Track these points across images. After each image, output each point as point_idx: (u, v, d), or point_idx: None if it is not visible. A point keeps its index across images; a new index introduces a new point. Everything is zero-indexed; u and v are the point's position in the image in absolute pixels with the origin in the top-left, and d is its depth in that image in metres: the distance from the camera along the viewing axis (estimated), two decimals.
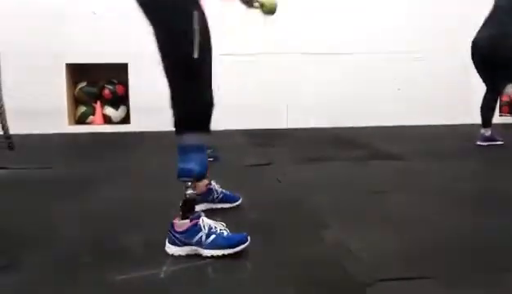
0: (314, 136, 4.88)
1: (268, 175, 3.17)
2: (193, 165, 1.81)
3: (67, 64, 5.51)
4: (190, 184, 1.83)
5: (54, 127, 5.39)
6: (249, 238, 1.79)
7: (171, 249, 1.78)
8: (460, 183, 2.94)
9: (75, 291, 1.53)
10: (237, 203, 2.44)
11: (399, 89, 5.59)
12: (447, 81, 5.58)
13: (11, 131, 5.04)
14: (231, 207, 2.40)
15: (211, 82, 1.90)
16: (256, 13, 2.64)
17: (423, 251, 1.84)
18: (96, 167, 3.47)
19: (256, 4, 2.58)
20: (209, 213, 2.25)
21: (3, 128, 3.21)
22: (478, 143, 4.29)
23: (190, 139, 1.82)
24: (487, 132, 4.28)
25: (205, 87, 1.85)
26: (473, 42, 4.15)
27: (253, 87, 5.49)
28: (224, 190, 2.44)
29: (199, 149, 1.84)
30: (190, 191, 1.82)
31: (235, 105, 5.41)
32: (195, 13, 1.75)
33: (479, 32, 4.14)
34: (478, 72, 4.21)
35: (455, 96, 5.50)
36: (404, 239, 1.96)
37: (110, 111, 5.75)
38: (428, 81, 5.61)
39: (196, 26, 1.75)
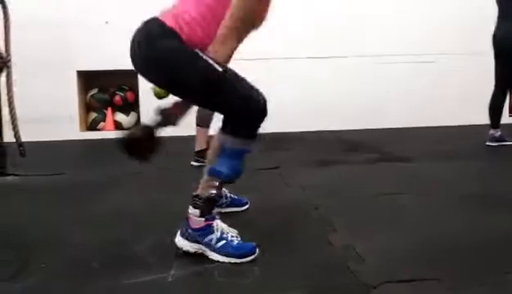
0: (323, 140, 4.88)
1: (276, 178, 3.19)
2: (224, 167, 1.82)
3: (78, 72, 5.57)
4: (217, 184, 1.84)
5: (66, 134, 5.43)
6: (257, 249, 1.80)
7: (180, 242, 1.82)
8: (469, 184, 2.94)
9: None
10: (245, 208, 2.46)
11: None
12: (457, 82, 5.55)
13: (24, 139, 5.11)
14: (238, 211, 2.42)
15: (252, 89, 1.84)
16: None
17: (429, 253, 1.85)
18: (107, 173, 3.51)
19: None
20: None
21: (15, 136, 3.25)
22: (488, 143, 4.26)
23: (231, 143, 1.82)
24: (497, 133, 4.25)
25: (249, 92, 1.81)
26: (493, 35, 4.14)
27: (263, 92, 5.50)
28: (232, 195, 2.46)
29: (236, 153, 1.83)
30: (213, 191, 1.84)
31: None
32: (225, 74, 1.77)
33: (498, 27, 4.12)
34: (495, 66, 4.19)
35: (465, 97, 5.46)
36: (411, 241, 1.96)
37: (120, 117, 5.80)
38: (438, 82, 5.58)
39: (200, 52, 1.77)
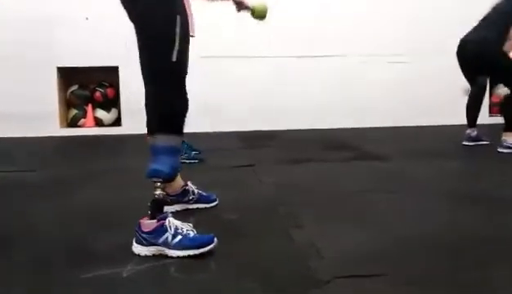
0: (304, 138, 4.89)
1: (250, 176, 3.18)
2: (162, 166, 1.84)
3: (58, 68, 5.53)
4: (159, 184, 1.85)
5: (46, 131, 5.40)
6: (215, 239, 1.80)
7: (137, 249, 1.79)
8: (443, 183, 2.95)
9: (38, 289, 1.54)
10: (213, 204, 2.45)
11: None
12: (435, 82, 5.59)
13: (3, 135, 5.09)
14: (206, 208, 2.41)
15: (185, 85, 1.92)
16: (247, 16, 2.65)
17: (390, 249, 1.85)
18: (82, 169, 3.49)
19: (247, 8, 2.61)
20: (184, 213, 2.30)
21: None
22: (465, 143, 4.29)
23: (162, 140, 1.85)
24: (473, 132, 4.28)
25: (179, 90, 1.89)
26: (462, 40, 4.15)
27: (247, 90, 5.51)
28: (200, 191, 2.45)
29: (170, 150, 1.87)
30: (158, 191, 1.85)
31: (228, 108, 5.44)
32: (178, 17, 1.79)
33: (470, 33, 4.13)
34: (463, 71, 4.21)
35: (443, 97, 5.50)
36: (374, 238, 1.97)
37: (101, 114, 5.77)
38: (416, 82, 5.61)
39: (178, 30, 1.79)
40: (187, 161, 3.57)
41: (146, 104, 1.91)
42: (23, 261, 1.78)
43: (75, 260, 1.77)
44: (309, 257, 1.77)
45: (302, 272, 1.65)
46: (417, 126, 5.46)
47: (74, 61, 5.48)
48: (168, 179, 1.88)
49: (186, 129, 3.92)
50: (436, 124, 5.54)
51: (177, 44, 1.78)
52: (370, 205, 2.48)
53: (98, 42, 5.34)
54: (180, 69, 1.85)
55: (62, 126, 5.68)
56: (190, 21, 3.36)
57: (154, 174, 1.83)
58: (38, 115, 5.37)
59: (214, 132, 5.15)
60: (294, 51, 5.53)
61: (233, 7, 2.57)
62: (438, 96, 5.56)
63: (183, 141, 3.60)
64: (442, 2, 5.56)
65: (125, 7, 1.88)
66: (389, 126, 5.42)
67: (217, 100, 5.37)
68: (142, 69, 1.86)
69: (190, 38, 3.26)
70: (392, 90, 5.62)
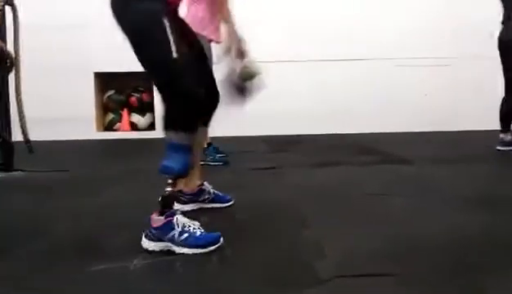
0: (330, 143, 4.87)
1: (270, 178, 3.22)
2: (174, 163, 1.89)
3: (95, 73, 5.75)
4: (170, 181, 1.90)
5: (83, 134, 5.60)
6: (221, 239, 1.85)
7: (145, 243, 1.86)
8: (466, 187, 2.90)
9: (49, 279, 1.64)
10: (228, 204, 2.50)
11: (426, 94, 5.51)
12: (469, 87, 5.45)
13: (42, 138, 5.31)
14: (221, 207, 2.47)
15: (196, 84, 1.96)
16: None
17: (397, 251, 1.85)
18: (112, 171, 3.62)
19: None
20: (199, 212, 2.36)
21: (23, 133, 3.39)
22: (498, 148, 4.18)
23: (174, 137, 1.90)
24: (507, 137, 4.16)
25: (190, 86, 1.90)
26: (498, 38, 4.07)
27: (274, 94, 5.53)
28: (216, 191, 2.51)
29: (182, 148, 1.90)
30: (169, 188, 1.90)
31: (254, 112, 5.47)
32: (164, 19, 1.84)
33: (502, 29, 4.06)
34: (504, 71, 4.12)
35: (478, 102, 5.36)
36: (382, 239, 1.97)
37: (136, 118, 5.94)
38: (452, 86, 5.49)
39: (168, 30, 1.84)
40: (212, 163, 3.65)
41: (162, 101, 1.96)
42: (38, 254, 1.88)
43: (87, 254, 1.86)
44: (313, 257, 1.79)
45: (303, 271, 1.68)
46: (450, 132, 5.34)
47: (111, 67, 5.65)
48: (179, 176, 1.93)
49: (214, 133, 4.03)
50: (470, 129, 5.40)
51: (172, 43, 1.81)
52: (385, 208, 2.47)
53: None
54: (182, 66, 1.87)
55: (99, 129, 5.88)
56: (214, 27, 3.44)
57: (166, 170, 1.89)
58: (76, 119, 5.56)
59: (240, 136, 5.20)
60: (321, 54, 5.52)
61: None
62: (475, 101, 5.42)
63: (210, 144, 3.75)
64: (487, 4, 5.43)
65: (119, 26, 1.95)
66: (419, 131, 5.32)
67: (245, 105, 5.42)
68: (148, 75, 1.93)
69: (217, 44, 3.32)
70: (423, 94, 5.53)
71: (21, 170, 3.51)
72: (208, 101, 2.14)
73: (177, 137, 1.90)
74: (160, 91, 1.93)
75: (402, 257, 1.78)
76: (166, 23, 1.82)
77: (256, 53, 5.57)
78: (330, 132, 5.34)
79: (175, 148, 1.89)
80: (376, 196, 2.70)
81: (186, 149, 1.92)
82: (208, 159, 3.68)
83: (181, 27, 2.00)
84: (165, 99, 1.93)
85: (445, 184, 2.99)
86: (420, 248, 1.86)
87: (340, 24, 5.47)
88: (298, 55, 5.51)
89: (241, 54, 2.45)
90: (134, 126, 5.92)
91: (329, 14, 5.52)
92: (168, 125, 1.91)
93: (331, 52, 5.53)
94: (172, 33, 1.83)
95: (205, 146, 3.70)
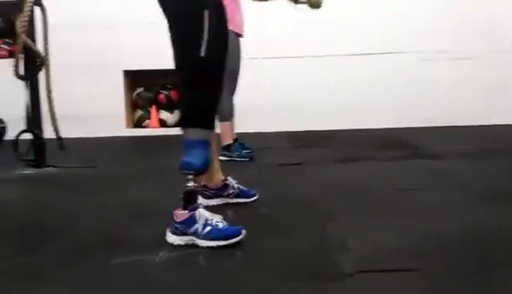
0: (358, 138, 4.83)
1: (296, 173, 3.22)
2: (194, 159, 1.90)
3: (124, 71, 5.84)
4: (190, 177, 1.92)
5: (113, 131, 5.70)
6: (244, 231, 1.86)
7: (170, 238, 1.89)
8: (494, 183, 2.83)
9: (75, 274, 1.68)
10: (252, 199, 2.51)
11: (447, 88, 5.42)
12: (498, 79, 5.32)
13: (73, 135, 5.44)
14: (245, 202, 2.48)
15: (219, 81, 1.99)
16: (303, 9, 2.71)
17: (422, 246, 1.83)
18: (140, 166, 3.67)
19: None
20: (223, 207, 2.38)
21: (54, 130, 3.49)
22: None
23: (193, 134, 1.92)
24: None
25: (211, 86, 1.94)
26: None
27: (301, 90, 5.53)
28: (241, 186, 2.52)
29: (202, 144, 1.92)
30: (190, 184, 1.92)
31: (284, 108, 5.48)
32: (206, 12, 1.87)
33: None
34: None
35: (509, 97, 5.23)
36: (407, 235, 1.95)
37: (165, 115, 6.01)
38: (478, 79, 5.37)
39: (207, 24, 1.86)
40: (238, 159, 3.67)
41: (180, 99, 2.00)
42: (65, 249, 1.93)
43: (113, 248, 1.89)
44: (337, 251, 1.78)
45: (326, 265, 1.67)
46: (479, 126, 5.21)
47: (140, 65, 5.74)
48: (200, 171, 1.94)
49: (240, 129, 4.05)
50: (500, 123, 5.25)
51: (205, 39, 1.82)
52: (412, 203, 2.44)
53: (162, 45, 5.54)
54: (210, 63, 1.88)
55: (128, 126, 5.97)
56: (239, 20, 3.47)
57: (186, 167, 1.91)
58: (106, 116, 5.67)
59: (265, 132, 5.21)
60: (346, 49, 5.47)
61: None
62: (503, 95, 5.29)
63: (236, 140, 3.77)
64: None
65: (160, 5, 1.97)
66: (446, 126, 5.22)
67: (270, 100, 5.42)
68: (175, 65, 1.95)
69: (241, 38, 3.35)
70: (452, 88, 5.41)
71: (53, 166, 3.60)
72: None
73: (196, 134, 1.92)
74: (181, 81, 1.96)
75: (427, 253, 1.76)
76: (206, 17, 1.84)
77: (281, 48, 5.60)
78: (356, 127, 5.29)
79: (194, 144, 1.91)
80: (404, 191, 2.67)
81: (206, 145, 1.94)
82: (235, 155, 3.69)
83: (220, 22, 2.00)
84: (187, 95, 1.95)
85: (473, 179, 2.93)
86: (446, 244, 1.83)
87: (364, 19, 5.42)
88: (323, 50, 5.47)
89: None
90: (163, 123, 5.99)
91: (352, 8, 5.47)
92: (187, 122, 1.94)
93: (355, 47, 5.48)
94: (210, 29, 1.84)
95: (231, 142, 3.73)
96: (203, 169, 1.95)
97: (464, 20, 5.34)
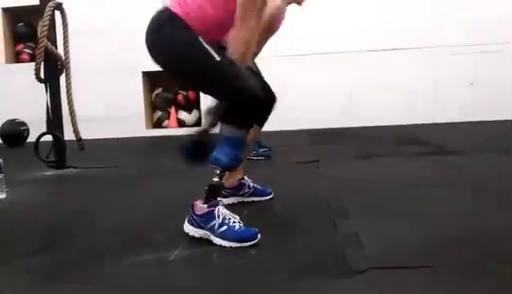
0: (375, 134, 4.81)
1: (312, 171, 3.22)
2: (222, 155, 1.93)
3: (143, 72, 5.92)
4: (218, 172, 1.95)
5: (134, 132, 5.80)
6: (259, 235, 1.86)
7: (187, 228, 1.94)
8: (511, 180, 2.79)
9: (94, 270, 1.72)
10: (268, 197, 2.53)
11: (472, 83, 5.33)
12: None
13: (93, 136, 5.54)
14: (260, 201, 2.50)
15: (250, 81, 1.92)
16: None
17: (435, 243, 1.82)
18: (160, 166, 3.73)
19: None
20: (239, 205, 2.41)
21: (74, 132, 3.56)
22: None
23: (227, 131, 1.93)
24: None
25: (239, 85, 1.88)
26: None
27: (319, 88, 5.53)
28: (256, 185, 2.54)
29: (236, 143, 1.94)
30: (216, 178, 1.95)
31: (301, 105, 5.49)
32: (200, 37, 1.87)
33: None
34: None
35: None
36: (421, 232, 1.93)
37: (183, 115, 6.08)
38: (501, 75, 5.28)
39: (204, 44, 1.86)
40: (255, 158, 3.69)
41: (225, 98, 1.99)
42: (84, 247, 1.98)
43: (131, 246, 1.93)
44: (349, 247, 1.79)
45: (339, 261, 1.68)
46: (498, 121, 5.13)
47: (158, 66, 5.80)
48: (226, 168, 1.96)
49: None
50: None
51: (210, 50, 1.84)
52: (426, 200, 2.43)
53: None
54: (230, 62, 1.87)
55: (148, 127, 6.06)
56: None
57: (214, 161, 1.94)
58: (126, 117, 5.77)
59: (282, 130, 5.22)
60: (366, 46, 5.44)
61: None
62: None
63: None
64: None
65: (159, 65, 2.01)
66: (471, 121, 5.15)
67: (288, 98, 5.41)
68: (211, 93, 1.97)
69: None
70: (477, 82, 5.34)
71: (73, 167, 3.68)
72: (267, 102, 2.17)
73: (233, 132, 1.92)
74: (225, 98, 1.92)
75: (440, 250, 1.75)
76: (201, 39, 1.86)
77: (299, 46, 5.59)
78: (373, 124, 5.27)
79: (229, 142, 1.92)
80: (419, 188, 2.65)
81: (240, 145, 1.95)
82: (252, 154, 3.71)
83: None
84: (222, 96, 1.94)
85: (491, 176, 2.89)
86: (459, 242, 1.82)
87: (379, 15, 5.39)
88: (338, 47, 5.46)
89: None
90: (181, 123, 6.06)
91: (368, 4, 5.44)
92: (227, 119, 1.93)
93: (372, 43, 5.45)
94: (208, 44, 1.86)
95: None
96: (229, 166, 1.96)
97: (483, 15, 5.26)
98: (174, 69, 1.99)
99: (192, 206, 1.94)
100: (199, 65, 1.88)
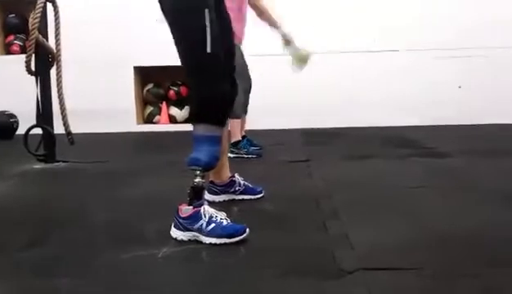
0: (367, 135, 4.83)
1: (303, 171, 3.23)
2: (201, 155, 1.92)
3: (135, 67, 5.88)
4: (198, 173, 1.93)
5: (124, 127, 5.75)
6: (247, 229, 1.87)
7: (174, 233, 1.91)
8: (503, 182, 2.81)
9: (82, 266, 1.71)
10: (259, 196, 2.53)
11: (460, 87, 5.38)
12: (505, 79, 5.27)
13: (84, 131, 5.50)
14: (251, 199, 2.50)
15: (228, 77, 2.00)
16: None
17: (425, 245, 1.83)
18: (149, 162, 3.71)
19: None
20: (229, 203, 2.41)
21: (64, 125, 3.53)
22: None
23: (201, 130, 1.94)
24: None
25: (219, 81, 1.93)
26: None
27: (311, 88, 5.52)
28: (247, 183, 2.54)
29: (210, 140, 1.94)
30: (197, 179, 1.93)
31: (293, 105, 5.49)
32: (206, 10, 1.88)
33: None
34: None
35: None
36: (410, 233, 1.95)
37: (174, 111, 6.04)
38: (491, 77, 5.33)
39: (208, 23, 1.87)
40: (245, 156, 3.69)
41: (189, 95, 2.02)
42: (73, 242, 1.97)
43: (119, 242, 1.93)
44: (338, 248, 1.80)
45: (327, 262, 1.68)
46: (487, 124, 5.17)
47: (150, 61, 5.77)
48: (207, 168, 1.96)
49: (250, 126, 4.06)
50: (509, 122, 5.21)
51: (209, 35, 1.83)
52: (415, 201, 2.45)
53: (172, 42, 5.59)
54: (217, 59, 1.89)
55: (139, 122, 6.01)
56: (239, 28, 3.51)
57: (194, 162, 1.92)
58: (117, 112, 5.71)
59: (275, 129, 5.22)
60: (358, 47, 5.46)
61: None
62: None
63: (244, 137, 3.79)
64: None
65: (159, 3, 1.97)
66: (455, 124, 5.19)
67: (281, 98, 5.43)
68: (181, 63, 1.96)
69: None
70: (464, 86, 5.38)
71: (63, 161, 3.65)
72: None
73: (205, 130, 1.93)
74: (189, 79, 1.97)
75: (430, 252, 1.76)
76: (207, 14, 1.85)
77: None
78: (365, 125, 5.28)
79: (203, 140, 1.92)
80: (410, 189, 2.67)
81: (216, 142, 1.95)
82: (242, 152, 3.72)
83: (225, 24, 2.02)
84: (196, 92, 1.96)
85: (480, 178, 2.92)
86: (450, 243, 1.84)
87: (374, 16, 5.40)
88: (331, 47, 5.46)
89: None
90: (173, 119, 6.03)
91: (363, 5, 5.45)
92: (197, 118, 1.94)
93: (365, 45, 5.47)
94: (212, 26, 1.85)
95: (239, 139, 3.75)
96: (209, 166, 1.96)
97: (472, 18, 5.30)
98: (169, 20, 1.94)
99: (177, 210, 1.92)
100: (189, 39, 1.89)
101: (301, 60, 3.08)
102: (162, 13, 2.00)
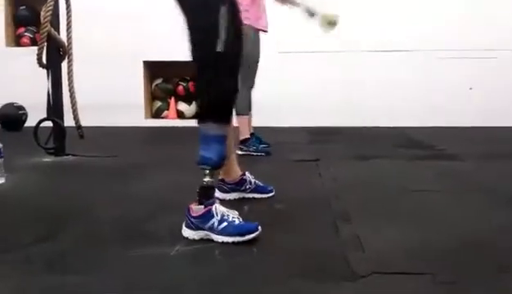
0: (376, 135, 4.81)
1: (312, 170, 3.21)
2: (210, 154, 1.91)
3: (144, 62, 5.89)
4: (207, 171, 1.93)
5: (132, 121, 5.76)
6: (259, 228, 1.86)
7: (186, 232, 1.90)
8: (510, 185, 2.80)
9: (93, 263, 1.71)
10: (269, 195, 2.52)
11: (471, 88, 5.34)
12: None
13: (93, 124, 5.51)
14: (262, 198, 2.49)
15: (235, 76, 1.98)
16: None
17: (437, 249, 1.82)
18: (158, 156, 3.72)
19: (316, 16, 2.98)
20: (239, 202, 2.40)
21: (74, 119, 3.53)
22: None
23: (209, 129, 1.92)
24: None
25: (227, 80, 1.91)
26: None
27: (319, 86, 5.51)
28: (257, 181, 2.53)
29: (218, 138, 1.92)
30: (207, 178, 1.92)
31: (302, 103, 5.48)
32: (222, 8, 1.86)
33: None
34: None
35: None
36: (421, 237, 1.94)
37: (183, 106, 6.05)
38: (502, 80, 5.29)
39: (222, 21, 1.86)
40: (254, 153, 3.68)
41: (197, 94, 2.01)
42: (82, 237, 1.96)
43: (130, 238, 1.92)
44: (351, 251, 1.78)
45: (340, 265, 1.67)
46: (498, 127, 5.14)
47: (159, 56, 5.78)
48: (216, 166, 1.95)
49: (259, 123, 4.05)
50: None
51: (222, 35, 1.81)
52: (426, 204, 2.43)
53: (182, 37, 5.58)
54: (227, 59, 1.86)
55: (147, 117, 6.03)
56: (258, 15, 3.51)
57: (203, 161, 1.91)
58: (126, 106, 5.73)
59: (284, 127, 5.21)
60: (365, 46, 5.43)
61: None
62: None
63: (253, 134, 3.78)
64: None
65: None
66: (465, 126, 5.16)
67: (289, 96, 5.42)
68: (192, 59, 1.94)
69: (265, 34, 3.50)
70: (477, 87, 5.34)
71: (72, 154, 3.65)
72: None
73: (212, 128, 1.91)
74: (198, 76, 1.94)
75: (442, 256, 1.74)
76: (223, 11, 1.83)
77: (301, 43, 5.56)
78: (374, 125, 5.26)
79: (211, 139, 1.91)
80: (420, 192, 2.65)
81: (223, 141, 1.94)
82: (251, 149, 3.71)
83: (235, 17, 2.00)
84: (204, 90, 1.94)
85: (491, 181, 2.90)
86: (461, 247, 1.82)
87: (381, 16, 5.37)
88: (339, 46, 5.44)
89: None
90: (181, 115, 6.03)
91: (371, 4, 5.42)
92: (203, 116, 1.93)
93: (373, 44, 5.44)
94: (226, 23, 1.83)
95: (249, 136, 3.74)
96: (219, 164, 1.95)
97: (482, 18, 5.26)
98: (183, 15, 1.90)
99: (188, 209, 1.91)
100: (199, 34, 1.86)
101: (330, 22, 3.07)
102: (179, 7, 1.98)
